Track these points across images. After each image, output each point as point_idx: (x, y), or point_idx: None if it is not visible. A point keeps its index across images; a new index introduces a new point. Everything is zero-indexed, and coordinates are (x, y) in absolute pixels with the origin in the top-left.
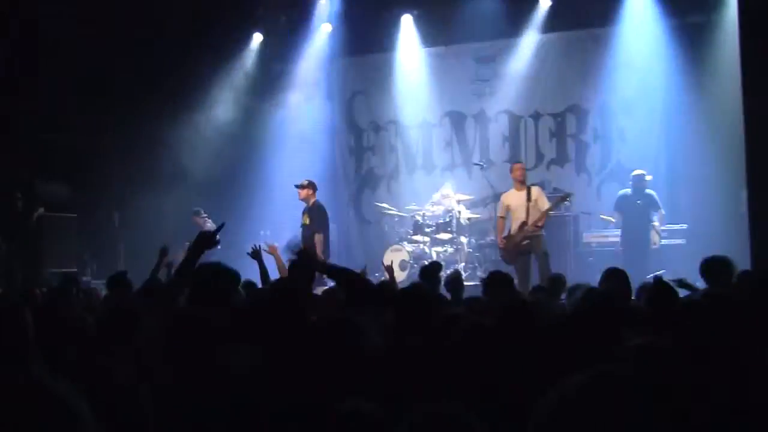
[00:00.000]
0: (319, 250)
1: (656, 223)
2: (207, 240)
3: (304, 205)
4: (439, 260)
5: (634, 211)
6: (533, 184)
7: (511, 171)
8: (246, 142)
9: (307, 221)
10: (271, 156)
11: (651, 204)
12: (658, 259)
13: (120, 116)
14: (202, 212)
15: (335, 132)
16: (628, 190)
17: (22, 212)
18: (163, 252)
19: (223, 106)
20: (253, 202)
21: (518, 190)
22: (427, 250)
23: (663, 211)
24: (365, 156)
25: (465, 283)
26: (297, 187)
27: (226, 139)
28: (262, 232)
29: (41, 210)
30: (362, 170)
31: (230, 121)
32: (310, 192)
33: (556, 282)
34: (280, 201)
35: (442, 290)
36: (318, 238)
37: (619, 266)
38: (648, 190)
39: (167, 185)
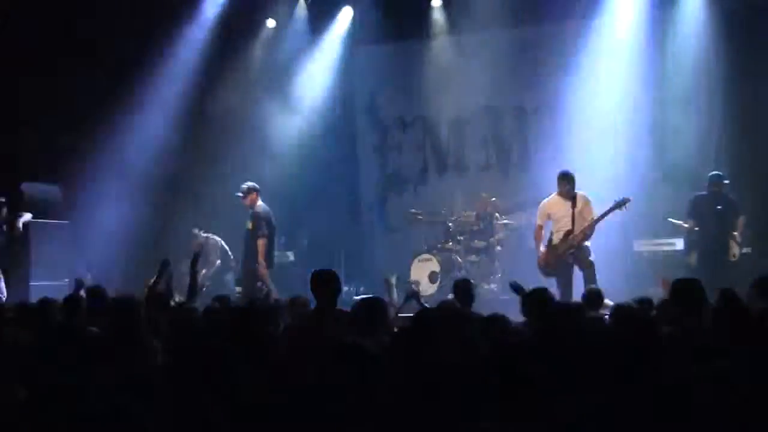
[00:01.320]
0: (260, 255)
1: (736, 232)
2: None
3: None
4: (473, 270)
5: (712, 218)
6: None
7: (558, 184)
8: (254, 140)
9: (250, 226)
10: (283, 158)
11: (732, 209)
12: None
13: (118, 110)
14: (199, 232)
15: (356, 129)
16: (704, 193)
17: (6, 219)
18: (165, 265)
19: (228, 100)
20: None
21: (563, 198)
22: (459, 259)
23: (743, 218)
24: (390, 156)
25: (500, 297)
26: (239, 195)
27: (232, 138)
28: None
29: (28, 216)
30: (387, 171)
31: (238, 119)
32: (254, 196)
33: (594, 295)
34: (297, 204)
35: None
36: (258, 243)
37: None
38: (729, 194)
39: (170, 188)
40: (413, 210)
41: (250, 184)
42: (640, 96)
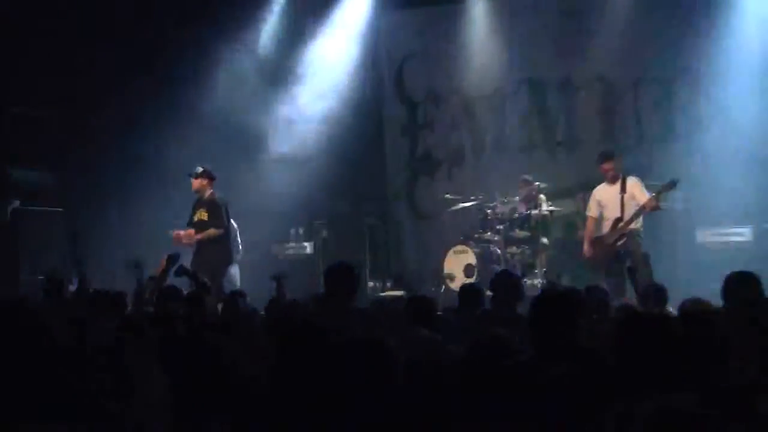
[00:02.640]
0: (200, 235)
1: None
2: None
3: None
4: (514, 263)
5: None
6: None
7: (604, 169)
8: (265, 119)
9: (205, 216)
10: (298, 139)
11: None
12: None
13: (117, 85)
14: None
15: (383, 105)
16: None
17: None
18: (171, 260)
19: (238, 73)
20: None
21: (610, 183)
22: (498, 251)
23: None
24: (421, 135)
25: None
26: (190, 176)
27: (242, 117)
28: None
29: (16, 203)
30: (417, 153)
31: (248, 92)
32: (205, 182)
33: (653, 292)
34: (315, 190)
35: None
36: (211, 232)
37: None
38: None
39: (176, 172)
40: (447, 195)
41: (206, 167)
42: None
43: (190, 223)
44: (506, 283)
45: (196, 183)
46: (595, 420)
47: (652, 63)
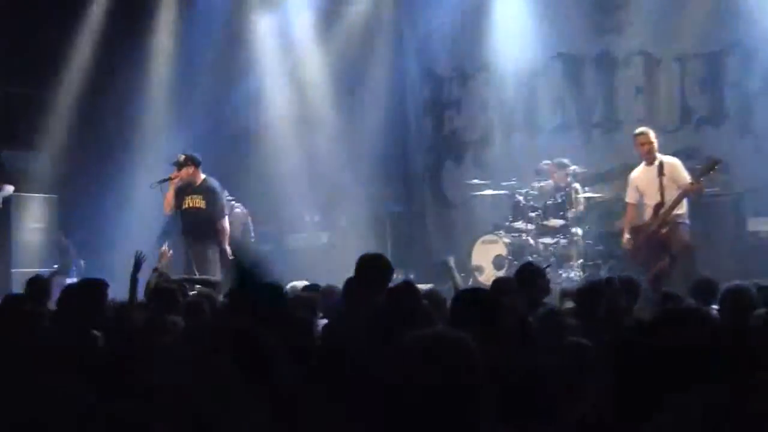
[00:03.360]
0: (225, 240)
1: None
2: None
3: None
4: (548, 254)
5: None
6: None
7: (634, 144)
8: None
9: (201, 203)
10: (312, 119)
11: None
12: None
13: (117, 58)
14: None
15: (405, 82)
16: None
17: None
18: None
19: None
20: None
21: (647, 164)
22: (531, 241)
23: None
24: (446, 115)
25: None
26: (174, 165)
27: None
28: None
29: (9, 189)
30: (442, 134)
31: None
32: (192, 170)
33: (705, 287)
34: (332, 175)
35: None
36: (221, 225)
37: None
38: None
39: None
40: (475, 180)
41: (188, 153)
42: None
43: (181, 211)
44: (533, 275)
45: (183, 173)
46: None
47: (699, 36)
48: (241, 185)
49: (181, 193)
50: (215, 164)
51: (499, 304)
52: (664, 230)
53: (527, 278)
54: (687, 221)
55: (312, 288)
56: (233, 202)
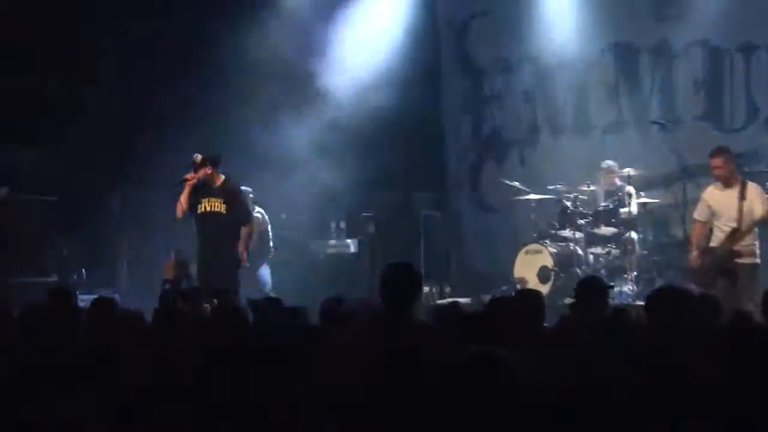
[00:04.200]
0: (243, 245)
1: None
2: None
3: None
4: (598, 265)
5: None
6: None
7: (712, 166)
8: (304, 91)
9: (221, 207)
10: (340, 117)
11: None
12: None
13: (122, 48)
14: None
15: (441, 75)
16: None
17: None
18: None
19: (266, 34)
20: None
21: (724, 186)
22: (579, 251)
23: None
24: (487, 111)
25: (637, 302)
26: (193, 165)
27: (274, 84)
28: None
29: (4, 190)
30: (483, 132)
31: (279, 56)
32: (210, 170)
33: None
34: (361, 177)
35: None
36: (245, 231)
37: None
38: None
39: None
40: (518, 183)
41: (207, 154)
42: None
43: (197, 215)
44: (593, 291)
45: (200, 173)
46: None
47: (767, 26)
48: (258, 188)
49: (197, 194)
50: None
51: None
52: (738, 260)
53: (586, 296)
54: (758, 260)
55: (337, 300)
56: (255, 206)
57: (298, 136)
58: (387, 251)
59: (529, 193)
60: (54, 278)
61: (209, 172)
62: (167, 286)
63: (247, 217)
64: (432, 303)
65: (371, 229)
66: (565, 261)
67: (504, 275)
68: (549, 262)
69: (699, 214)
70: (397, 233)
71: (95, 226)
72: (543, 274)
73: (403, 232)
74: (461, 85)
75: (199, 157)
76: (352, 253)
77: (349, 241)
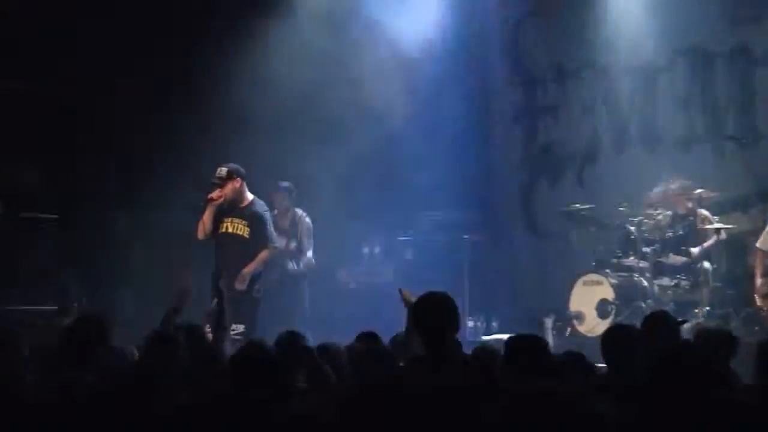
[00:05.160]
0: (251, 267)
1: None
2: None
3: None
4: (666, 299)
5: None
6: None
7: None
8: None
9: (245, 231)
10: (375, 127)
11: None
12: None
13: (132, 47)
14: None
15: (488, 82)
16: None
17: None
18: (183, 294)
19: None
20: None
21: None
22: (645, 282)
23: None
24: (541, 123)
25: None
26: (215, 184)
27: (300, 89)
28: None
29: None
30: (536, 147)
31: (309, 58)
32: (238, 184)
33: None
34: (397, 197)
35: None
36: (265, 255)
37: None
38: None
39: (207, 167)
40: (576, 205)
41: (230, 165)
42: None
43: (217, 237)
44: (663, 327)
45: (228, 189)
46: None
47: None
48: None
49: (220, 214)
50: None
51: None
52: None
53: (653, 333)
54: None
55: (369, 337)
56: (299, 211)
57: (326, 147)
58: (426, 280)
59: (587, 216)
60: (52, 306)
61: (238, 185)
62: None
63: (264, 241)
64: (479, 339)
65: (408, 255)
66: (627, 294)
67: (559, 308)
68: (609, 295)
69: (761, 241)
70: (439, 260)
71: (98, 248)
72: (602, 308)
73: (446, 260)
74: (512, 95)
75: (224, 170)
76: (386, 282)
77: (384, 268)
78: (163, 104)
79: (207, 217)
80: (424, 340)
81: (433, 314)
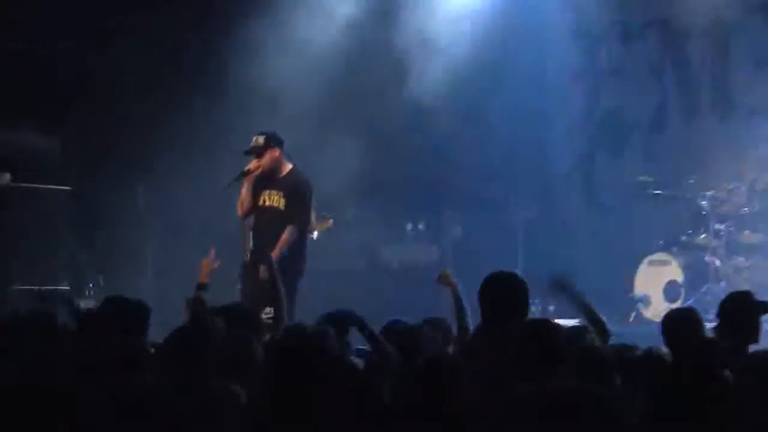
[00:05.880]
0: (277, 251)
1: None
2: None
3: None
4: (740, 281)
5: None
6: None
7: None
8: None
9: (280, 203)
10: (420, 99)
11: None
12: None
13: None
14: None
15: (543, 42)
16: None
17: None
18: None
19: None
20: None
21: None
22: (717, 262)
23: None
24: (602, 86)
25: None
26: (249, 154)
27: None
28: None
29: (6, 177)
30: (597, 113)
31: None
32: (277, 153)
33: None
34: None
35: None
36: (287, 235)
37: None
38: None
39: (228, 137)
40: (641, 177)
41: (270, 132)
42: None
43: (254, 209)
44: (744, 311)
45: (266, 160)
46: None
47: None
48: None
49: (259, 186)
50: None
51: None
52: None
53: (733, 318)
54: None
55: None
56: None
57: (367, 111)
58: (476, 259)
59: (655, 189)
60: (65, 286)
61: (276, 154)
62: (200, 292)
63: (303, 219)
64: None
65: (457, 232)
66: (698, 275)
67: (622, 291)
68: (678, 276)
69: None
70: (491, 238)
71: (115, 224)
72: (671, 291)
73: (497, 238)
74: (570, 57)
75: (261, 138)
76: (432, 261)
77: (429, 246)
78: (186, 77)
79: (245, 191)
80: (490, 325)
81: (501, 296)
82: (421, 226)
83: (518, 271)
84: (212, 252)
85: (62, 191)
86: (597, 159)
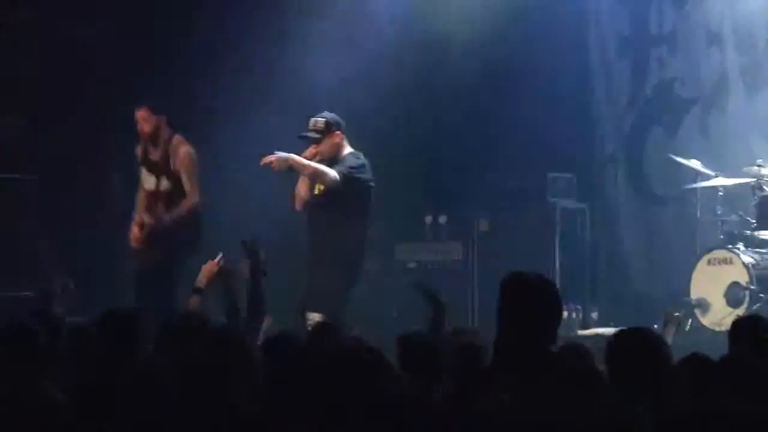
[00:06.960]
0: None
1: None
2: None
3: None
4: None
5: None
6: None
7: None
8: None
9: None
10: (445, 79)
11: None
12: None
13: None
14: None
15: (588, 8)
16: None
17: None
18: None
19: None
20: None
21: None
22: None
23: None
24: (654, 56)
25: None
26: (307, 138)
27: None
28: None
29: None
30: (648, 87)
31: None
32: (339, 137)
33: None
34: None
35: None
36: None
37: None
38: None
39: (220, 119)
40: (698, 163)
41: (331, 116)
42: None
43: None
44: None
45: (325, 146)
46: None
47: None
48: None
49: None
50: None
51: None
52: None
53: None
54: None
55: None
56: None
57: (382, 88)
58: (506, 257)
59: (714, 176)
60: (26, 292)
61: (338, 140)
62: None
63: (351, 207)
64: (573, 332)
65: (484, 226)
66: (766, 275)
67: (676, 294)
68: (742, 277)
69: None
70: (522, 234)
71: (89, 217)
72: (733, 294)
73: (531, 232)
74: (615, 20)
75: (321, 122)
76: (456, 261)
77: (451, 242)
78: (171, 48)
79: (302, 183)
80: (508, 335)
81: (526, 303)
82: (441, 220)
83: (555, 270)
84: (219, 256)
85: (27, 180)
86: (648, 140)
